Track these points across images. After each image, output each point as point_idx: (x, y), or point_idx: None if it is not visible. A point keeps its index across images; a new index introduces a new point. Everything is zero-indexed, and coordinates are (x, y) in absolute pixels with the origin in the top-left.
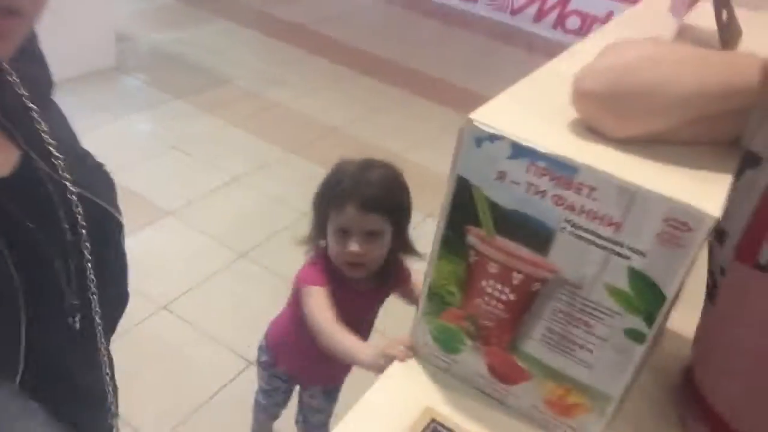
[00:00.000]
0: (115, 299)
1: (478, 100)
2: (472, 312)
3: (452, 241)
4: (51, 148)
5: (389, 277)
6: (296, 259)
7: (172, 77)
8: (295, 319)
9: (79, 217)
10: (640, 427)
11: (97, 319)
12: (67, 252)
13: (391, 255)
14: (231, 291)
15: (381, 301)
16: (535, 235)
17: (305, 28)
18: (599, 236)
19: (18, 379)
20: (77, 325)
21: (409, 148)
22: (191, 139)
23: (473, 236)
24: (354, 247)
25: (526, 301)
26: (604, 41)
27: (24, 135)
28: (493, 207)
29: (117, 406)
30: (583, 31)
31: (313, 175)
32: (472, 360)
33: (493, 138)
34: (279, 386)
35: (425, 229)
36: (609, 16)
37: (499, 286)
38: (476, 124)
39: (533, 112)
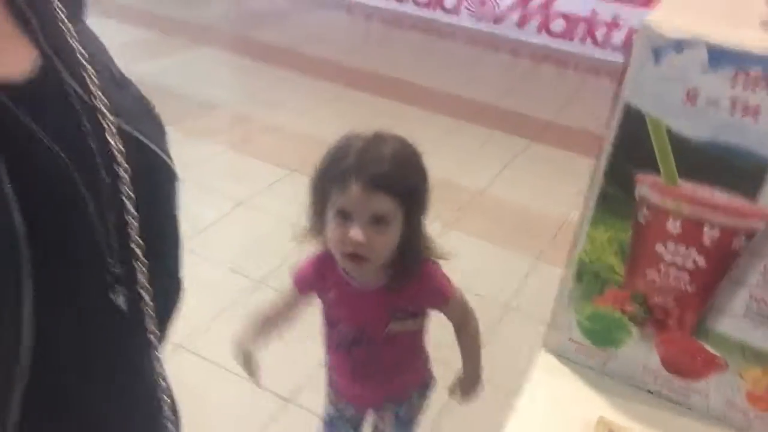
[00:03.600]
0: (167, 280)
1: (474, 105)
2: (642, 289)
3: (613, 196)
4: (80, 58)
5: (403, 277)
6: None
7: (160, 107)
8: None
9: (118, 155)
10: None
11: (147, 299)
12: (102, 198)
13: (403, 250)
14: None
15: (397, 310)
16: (739, 172)
17: (288, 50)
18: None
19: (16, 386)
20: (122, 304)
21: None
22: (190, 166)
23: (646, 186)
24: (356, 233)
25: (723, 265)
26: None
27: (45, 31)
28: (678, 141)
29: (178, 423)
30: (568, 34)
31: None
32: (639, 353)
33: (682, 45)
34: (344, 409)
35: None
36: (593, 15)
37: (682, 249)
38: (656, 30)
39: (711, 12)
